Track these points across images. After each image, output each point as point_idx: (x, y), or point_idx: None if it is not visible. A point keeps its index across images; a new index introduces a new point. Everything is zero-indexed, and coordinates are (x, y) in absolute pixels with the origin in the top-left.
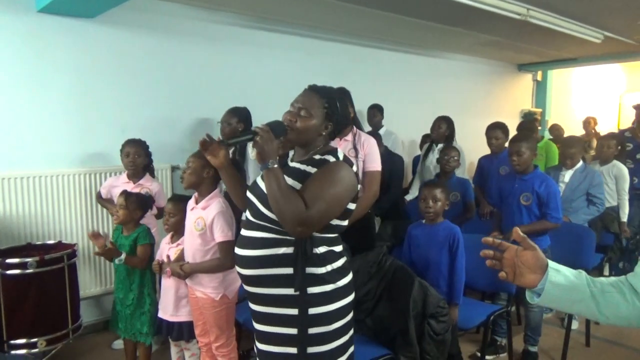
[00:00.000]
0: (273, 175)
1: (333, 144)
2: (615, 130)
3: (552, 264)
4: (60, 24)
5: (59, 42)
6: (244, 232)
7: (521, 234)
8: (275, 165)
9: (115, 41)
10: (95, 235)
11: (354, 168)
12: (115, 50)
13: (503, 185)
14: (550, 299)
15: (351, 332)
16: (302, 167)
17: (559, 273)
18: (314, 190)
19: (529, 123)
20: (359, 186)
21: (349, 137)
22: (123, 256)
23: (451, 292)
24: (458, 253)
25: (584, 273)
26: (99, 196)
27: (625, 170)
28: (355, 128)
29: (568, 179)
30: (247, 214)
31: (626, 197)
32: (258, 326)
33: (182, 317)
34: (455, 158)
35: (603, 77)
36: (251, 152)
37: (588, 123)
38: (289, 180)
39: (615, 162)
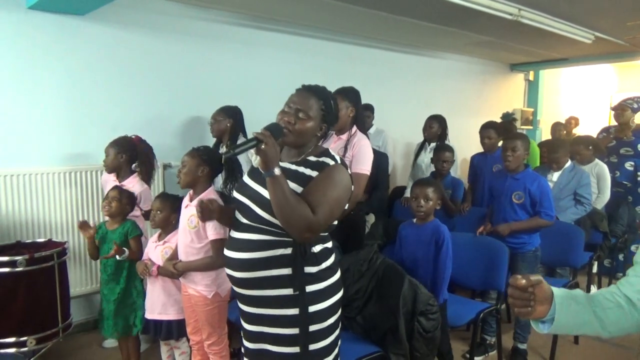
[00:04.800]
0: (278, 183)
1: (330, 140)
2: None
3: (556, 291)
4: (50, 21)
5: (49, 40)
6: (236, 234)
7: (524, 281)
8: (280, 173)
9: (106, 39)
10: (84, 226)
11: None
12: (106, 48)
13: (494, 183)
14: (559, 326)
15: (339, 328)
16: (300, 169)
17: (564, 300)
18: (318, 195)
19: (507, 124)
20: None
21: (345, 136)
22: (127, 253)
23: (433, 289)
24: (442, 250)
25: (582, 292)
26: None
27: (606, 169)
28: (354, 128)
29: (556, 178)
30: (237, 216)
31: (607, 194)
32: (251, 327)
33: (170, 315)
34: (451, 160)
35: (595, 77)
36: (253, 159)
37: (569, 123)
38: (290, 184)
39: (597, 160)
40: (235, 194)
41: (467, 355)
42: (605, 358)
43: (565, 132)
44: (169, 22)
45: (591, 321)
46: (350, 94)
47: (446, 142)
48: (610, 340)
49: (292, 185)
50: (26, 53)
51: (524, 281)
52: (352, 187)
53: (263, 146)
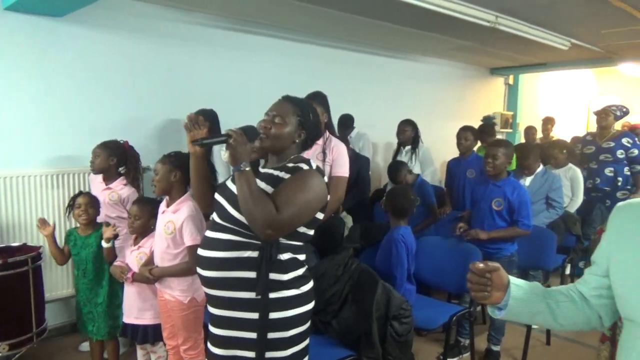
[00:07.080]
0: (245, 178)
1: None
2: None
3: (512, 280)
4: (27, 22)
5: (26, 41)
6: (209, 233)
7: (482, 265)
8: (248, 168)
9: (85, 41)
10: (42, 222)
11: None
12: (84, 50)
13: (475, 189)
14: (512, 313)
15: (307, 341)
16: (275, 172)
17: (520, 288)
18: (285, 194)
19: (488, 127)
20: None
21: (320, 141)
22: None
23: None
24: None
25: (539, 285)
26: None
27: (579, 173)
28: (327, 133)
29: (529, 182)
30: (213, 216)
31: (580, 198)
32: (216, 330)
33: (146, 320)
34: (407, 174)
35: (574, 81)
36: (223, 154)
37: (545, 124)
38: (262, 184)
39: (570, 165)
40: (216, 195)
41: (441, 357)
42: (576, 358)
43: (543, 134)
44: (148, 25)
45: (544, 311)
46: (321, 99)
47: (420, 144)
48: (581, 340)
49: (264, 185)
50: (3, 54)
51: (481, 265)
52: (328, 196)
53: (231, 141)
